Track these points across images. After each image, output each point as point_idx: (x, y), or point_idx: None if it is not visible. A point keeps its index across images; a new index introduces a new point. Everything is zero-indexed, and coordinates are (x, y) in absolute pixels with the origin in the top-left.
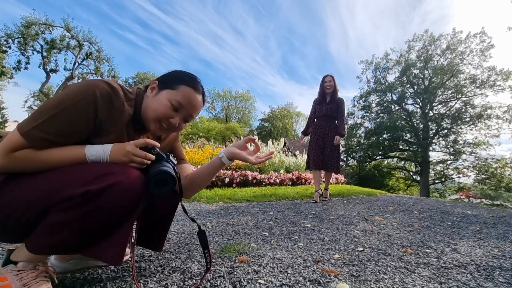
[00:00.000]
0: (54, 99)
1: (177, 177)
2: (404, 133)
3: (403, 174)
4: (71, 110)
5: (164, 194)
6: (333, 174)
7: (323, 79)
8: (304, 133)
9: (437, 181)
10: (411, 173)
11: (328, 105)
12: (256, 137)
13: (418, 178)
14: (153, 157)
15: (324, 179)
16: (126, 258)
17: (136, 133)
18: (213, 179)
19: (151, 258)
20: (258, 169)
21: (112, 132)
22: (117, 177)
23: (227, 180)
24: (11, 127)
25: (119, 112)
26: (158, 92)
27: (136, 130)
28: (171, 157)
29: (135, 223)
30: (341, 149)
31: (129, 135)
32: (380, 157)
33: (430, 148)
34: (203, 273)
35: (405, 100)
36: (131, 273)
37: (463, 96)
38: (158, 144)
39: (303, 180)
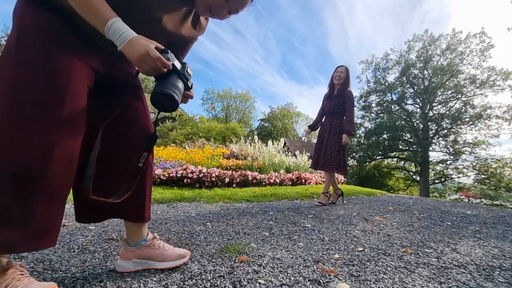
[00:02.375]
0: None
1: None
2: (404, 133)
3: (403, 174)
4: None
5: (167, 112)
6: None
7: (336, 69)
8: (311, 127)
9: (437, 181)
10: (411, 173)
11: (333, 99)
12: (256, 137)
13: (418, 178)
14: (170, 66)
15: (336, 179)
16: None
17: (180, 2)
18: (213, 179)
19: None
20: (258, 169)
21: None
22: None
23: (227, 180)
24: None
25: None
26: None
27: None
28: (187, 70)
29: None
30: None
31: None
32: (380, 157)
33: (430, 148)
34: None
35: (405, 100)
36: (131, 272)
37: (463, 96)
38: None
39: (303, 180)
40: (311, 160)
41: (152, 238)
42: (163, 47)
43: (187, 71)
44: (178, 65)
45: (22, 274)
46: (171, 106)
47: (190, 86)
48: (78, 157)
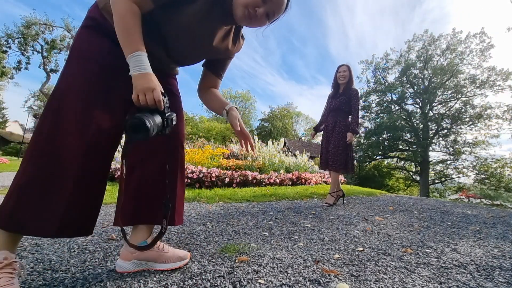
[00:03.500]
0: None
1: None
2: (404, 133)
3: (403, 174)
4: None
5: (133, 141)
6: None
7: (338, 69)
8: (315, 129)
9: (437, 181)
10: (411, 173)
11: (339, 98)
12: (256, 137)
13: (418, 178)
14: (162, 107)
15: (342, 179)
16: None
17: (220, 18)
18: (213, 179)
19: None
20: (258, 169)
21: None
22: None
23: (227, 180)
24: (11, 127)
25: None
26: None
27: (222, 13)
28: (173, 117)
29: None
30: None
31: (214, 15)
32: (380, 157)
33: (430, 148)
34: (156, 237)
35: (405, 100)
36: (131, 273)
37: (463, 96)
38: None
39: (303, 180)
40: (311, 160)
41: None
42: (163, 92)
43: (172, 118)
44: (167, 110)
45: (11, 273)
46: (141, 135)
47: (166, 132)
48: (106, 154)
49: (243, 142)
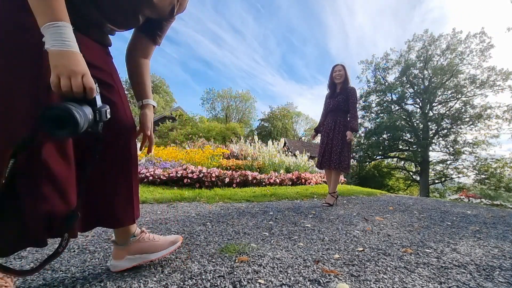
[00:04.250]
0: None
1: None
2: (404, 133)
3: (403, 174)
4: None
5: (58, 136)
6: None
7: (333, 68)
8: (317, 130)
9: (437, 181)
10: (411, 173)
11: (337, 97)
12: (256, 137)
13: (418, 178)
14: (92, 96)
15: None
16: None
17: None
18: (213, 179)
19: None
20: (258, 169)
21: None
22: None
23: (227, 180)
24: None
25: None
26: None
27: None
28: (106, 111)
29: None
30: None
31: None
32: (380, 157)
33: (430, 148)
34: (48, 259)
35: (405, 100)
36: (131, 272)
37: (463, 96)
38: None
39: (303, 180)
40: (311, 160)
41: (140, 232)
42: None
43: (105, 111)
44: (98, 101)
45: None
46: (66, 131)
47: (98, 128)
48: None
49: (145, 145)
